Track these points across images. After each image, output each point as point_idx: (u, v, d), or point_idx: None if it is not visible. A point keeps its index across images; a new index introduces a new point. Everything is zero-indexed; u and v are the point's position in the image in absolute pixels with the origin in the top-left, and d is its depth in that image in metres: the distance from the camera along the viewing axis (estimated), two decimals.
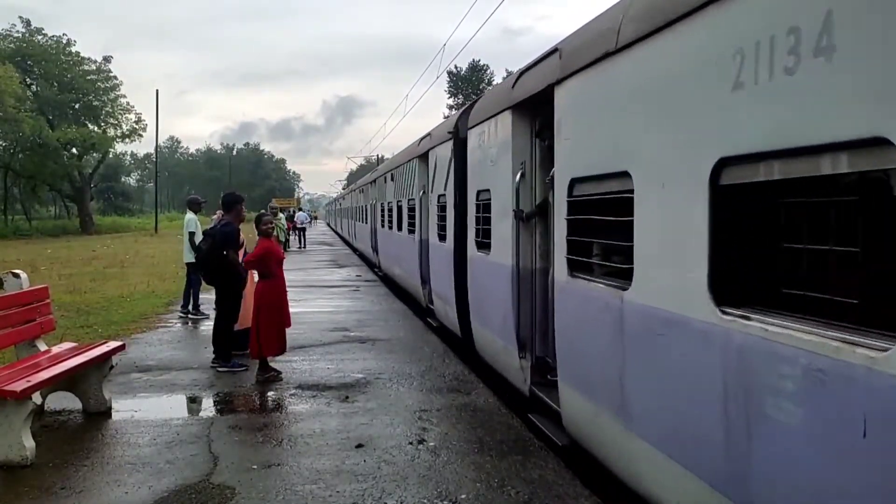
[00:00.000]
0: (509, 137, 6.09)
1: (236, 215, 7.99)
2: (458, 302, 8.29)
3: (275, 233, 9.64)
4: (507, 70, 54.52)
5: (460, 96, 70.75)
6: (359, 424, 5.70)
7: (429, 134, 11.03)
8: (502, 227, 6.29)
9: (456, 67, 71.38)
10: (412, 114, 34.51)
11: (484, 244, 7.04)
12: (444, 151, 9.12)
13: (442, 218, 9.28)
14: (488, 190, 6.79)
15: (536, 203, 5.95)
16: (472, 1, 14.56)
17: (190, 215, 11.24)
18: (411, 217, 12.20)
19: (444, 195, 9.12)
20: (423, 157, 10.95)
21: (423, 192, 10.89)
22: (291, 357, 7.81)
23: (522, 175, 5.91)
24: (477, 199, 7.25)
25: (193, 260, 10.02)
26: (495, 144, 6.55)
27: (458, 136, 8.29)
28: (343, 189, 60.62)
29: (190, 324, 10.87)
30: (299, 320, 10.02)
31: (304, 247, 32.00)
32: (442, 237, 9.30)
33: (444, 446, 5.17)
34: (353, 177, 79.64)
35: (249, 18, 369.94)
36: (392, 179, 15.12)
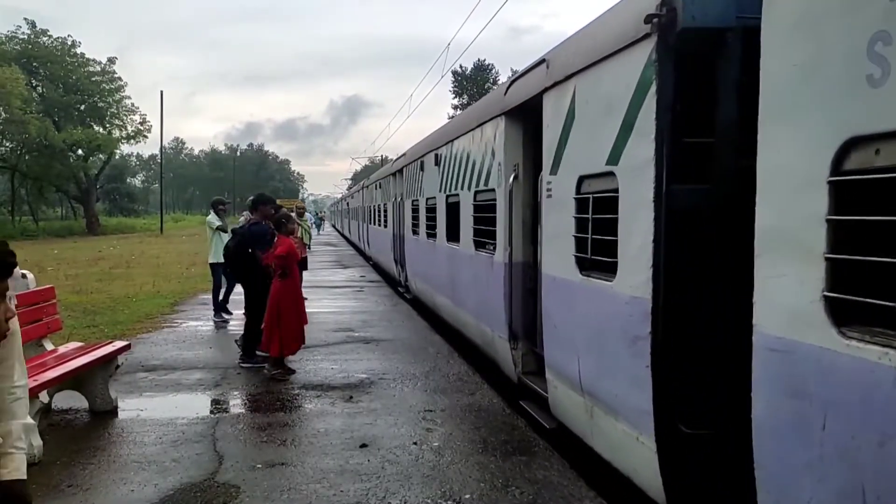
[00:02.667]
0: None
1: (262, 215, 8.13)
2: (670, 449, 3.60)
3: (299, 233, 9.78)
4: (512, 69, 54.40)
5: (465, 96, 70.74)
6: (363, 424, 5.72)
7: (543, 60, 5.48)
8: None
9: (461, 67, 71.38)
10: (416, 114, 34.44)
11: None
12: (610, 80, 4.13)
13: (602, 227, 4.27)
14: None
15: None
16: (477, 0, 14.53)
17: (212, 215, 11.47)
18: (483, 221, 7.33)
19: (599, 176, 4.33)
20: (519, 112, 6.25)
21: (515, 178, 6.35)
22: (295, 357, 7.83)
23: None
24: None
25: (218, 260, 10.37)
26: None
27: (669, 35, 3.45)
28: (349, 188, 59.64)
29: (193, 325, 10.90)
30: None
31: (308, 247, 32.17)
32: (595, 266, 4.44)
33: (448, 446, 5.18)
34: (357, 177, 79.56)
35: (254, 19, 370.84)
36: (436, 163, 10.12)
